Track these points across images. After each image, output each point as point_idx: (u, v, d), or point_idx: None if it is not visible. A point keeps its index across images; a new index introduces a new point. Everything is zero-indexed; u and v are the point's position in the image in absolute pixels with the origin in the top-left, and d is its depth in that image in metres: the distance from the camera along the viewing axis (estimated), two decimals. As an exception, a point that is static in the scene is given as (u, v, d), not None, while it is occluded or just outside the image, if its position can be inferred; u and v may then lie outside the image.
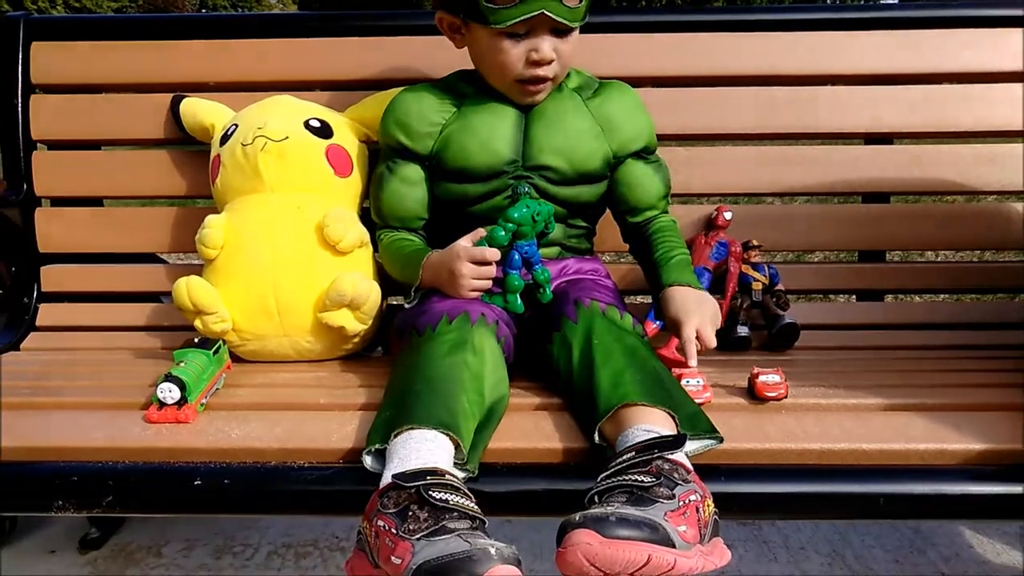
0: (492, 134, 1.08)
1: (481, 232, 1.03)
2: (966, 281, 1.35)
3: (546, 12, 0.98)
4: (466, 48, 1.09)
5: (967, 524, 1.47)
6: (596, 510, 0.67)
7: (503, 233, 1.02)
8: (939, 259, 2.09)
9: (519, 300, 1.05)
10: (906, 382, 1.01)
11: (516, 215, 1.02)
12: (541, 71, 1.03)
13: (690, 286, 1.05)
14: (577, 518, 0.67)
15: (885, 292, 1.36)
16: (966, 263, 1.37)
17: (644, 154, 1.15)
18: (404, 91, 1.15)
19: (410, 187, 1.13)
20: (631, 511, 0.67)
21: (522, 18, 0.98)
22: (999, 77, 1.30)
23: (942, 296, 1.51)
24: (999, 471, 0.82)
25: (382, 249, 1.16)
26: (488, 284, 1.02)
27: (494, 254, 1.00)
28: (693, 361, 0.96)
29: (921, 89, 1.31)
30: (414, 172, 1.12)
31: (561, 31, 1.02)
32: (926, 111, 1.30)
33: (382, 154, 1.16)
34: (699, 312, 1.00)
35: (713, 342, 0.98)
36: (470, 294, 1.00)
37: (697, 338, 0.97)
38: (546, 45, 1.01)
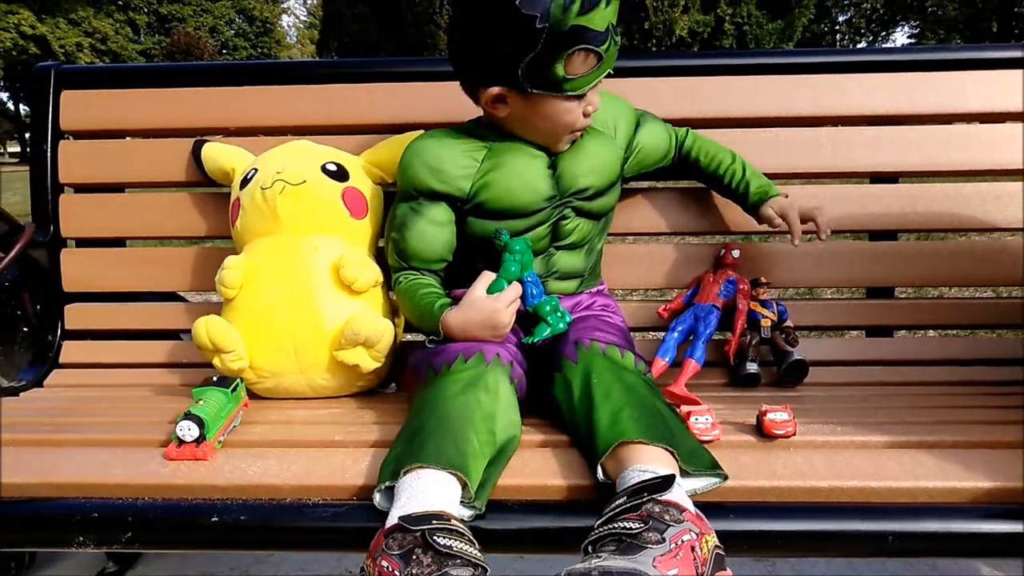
0: (532, 174, 1.11)
1: (490, 275, 1.06)
2: (975, 317, 1.35)
3: (611, 72, 1.05)
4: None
5: (984, 561, 1.45)
6: (580, 565, 0.68)
7: (515, 268, 1.06)
8: (948, 295, 2.09)
9: (566, 314, 1.10)
10: (915, 419, 1.02)
11: (519, 247, 1.07)
12: (584, 122, 1.09)
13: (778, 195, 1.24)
14: (563, 574, 0.67)
15: (894, 328, 1.36)
16: (974, 299, 1.37)
17: (637, 127, 1.23)
18: (426, 137, 1.15)
19: (438, 228, 1.13)
20: (615, 563, 0.68)
21: (596, 81, 1.04)
22: (1002, 117, 1.32)
23: (954, 332, 1.51)
24: (1010, 509, 0.82)
25: (399, 292, 1.15)
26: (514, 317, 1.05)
27: (518, 290, 1.05)
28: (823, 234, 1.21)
29: (925, 129, 1.33)
30: (443, 214, 1.13)
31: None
32: (930, 150, 1.32)
33: (402, 197, 1.15)
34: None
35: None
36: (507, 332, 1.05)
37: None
38: (595, 99, 1.07)
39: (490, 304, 1.03)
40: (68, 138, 1.42)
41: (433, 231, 1.13)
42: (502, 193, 1.10)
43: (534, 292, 1.09)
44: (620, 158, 1.19)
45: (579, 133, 1.11)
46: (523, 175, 1.11)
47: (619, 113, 1.20)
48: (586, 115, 1.08)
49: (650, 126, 1.24)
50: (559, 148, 1.12)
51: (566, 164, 1.13)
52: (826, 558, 1.44)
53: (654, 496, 0.74)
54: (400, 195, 1.16)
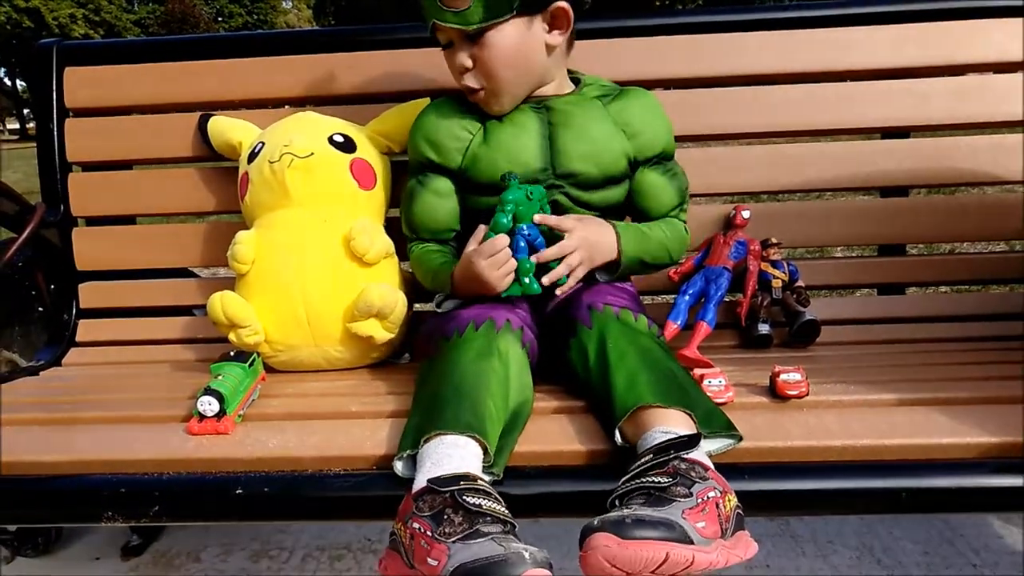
0: (519, 146, 1.10)
1: (483, 228, 1.06)
2: (987, 271, 1.35)
3: (437, 22, 1.03)
4: None
5: (997, 515, 1.47)
6: (613, 513, 0.70)
7: (505, 220, 1.02)
8: (960, 250, 2.07)
9: (535, 282, 1.03)
10: (927, 376, 1.02)
11: (511, 196, 1.03)
12: (464, 81, 1.07)
13: (612, 227, 1.10)
14: (596, 522, 0.69)
15: (906, 285, 1.36)
16: (985, 254, 1.37)
17: (661, 160, 1.16)
18: (430, 108, 1.17)
19: (441, 199, 1.14)
20: (647, 512, 0.69)
21: (430, 30, 1.06)
22: (1014, 67, 1.30)
23: (966, 287, 1.50)
24: (1020, 464, 0.83)
25: (413, 260, 1.18)
26: (512, 269, 1.02)
27: (502, 240, 1.00)
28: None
29: (936, 82, 1.31)
30: (445, 185, 1.14)
31: (473, 36, 1.03)
32: (941, 103, 1.30)
33: (411, 169, 1.18)
34: (578, 223, 1.06)
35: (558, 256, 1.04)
36: (504, 285, 1.01)
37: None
38: (458, 55, 1.06)
39: (467, 254, 1.03)
40: (71, 115, 1.41)
41: (437, 203, 1.14)
42: (488, 166, 1.10)
43: (520, 245, 1.03)
44: (628, 157, 1.13)
45: (476, 99, 1.09)
46: (511, 149, 1.10)
47: (650, 122, 1.14)
48: (459, 72, 1.07)
49: (669, 178, 1.16)
50: (488, 109, 1.11)
51: (562, 138, 1.11)
52: (840, 515, 1.46)
53: (679, 454, 0.75)
54: (410, 167, 1.18)
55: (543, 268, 1.05)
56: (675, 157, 1.19)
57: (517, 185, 1.04)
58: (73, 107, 1.41)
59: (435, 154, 1.13)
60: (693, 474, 0.74)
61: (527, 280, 1.03)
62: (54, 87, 1.39)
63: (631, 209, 1.18)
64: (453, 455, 0.78)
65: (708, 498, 0.72)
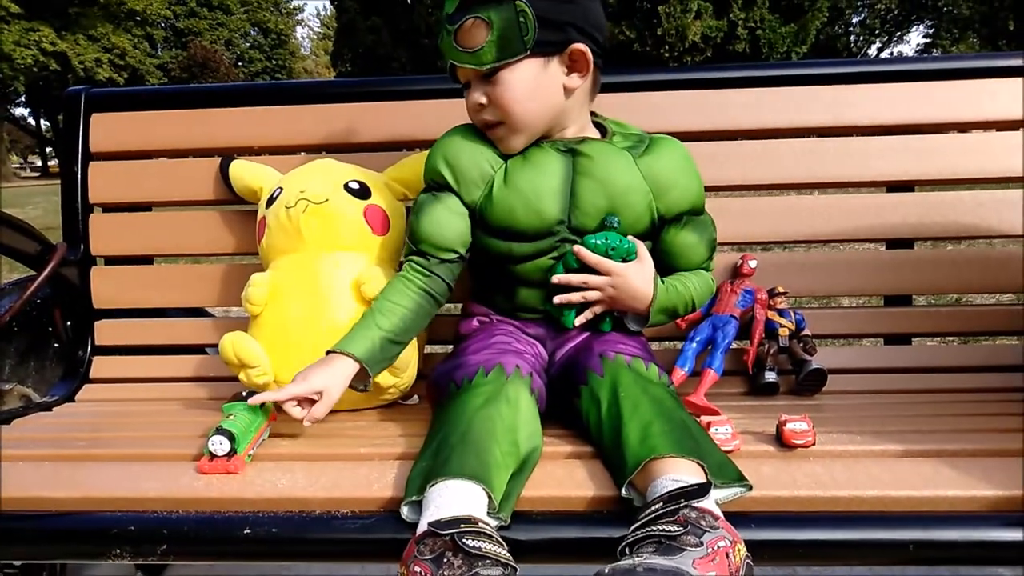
0: (538, 193, 1.07)
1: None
2: (994, 323, 1.35)
3: (453, 63, 1.07)
4: None
5: (1005, 568, 1.45)
6: (624, 562, 0.70)
7: (576, 266, 1.07)
8: (966, 301, 2.08)
9: (570, 317, 1.11)
10: (933, 427, 1.02)
11: (593, 241, 1.06)
12: (478, 117, 1.09)
13: (657, 278, 1.10)
14: (607, 570, 0.69)
15: (912, 335, 1.37)
16: (992, 306, 1.37)
17: (691, 215, 1.13)
18: (454, 130, 1.14)
19: (452, 215, 1.10)
20: (658, 561, 0.69)
21: (449, 71, 1.10)
22: (1017, 125, 1.32)
23: (973, 338, 1.51)
24: (1030, 517, 0.83)
25: (390, 282, 1.11)
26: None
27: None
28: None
29: (941, 138, 1.34)
30: (460, 206, 1.10)
31: (488, 76, 1.05)
32: (946, 159, 1.33)
33: (426, 187, 1.14)
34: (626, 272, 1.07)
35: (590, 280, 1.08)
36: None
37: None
38: (473, 93, 1.07)
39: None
40: (95, 159, 1.45)
41: (448, 218, 1.10)
42: (504, 212, 1.09)
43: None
44: (653, 218, 1.11)
45: (494, 136, 1.10)
46: (528, 193, 1.08)
47: (681, 178, 1.11)
48: (475, 110, 1.09)
49: (699, 234, 1.14)
50: (504, 146, 1.10)
51: (584, 189, 1.08)
52: (847, 567, 1.44)
53: (690, 503, 0.76)
54: (425, 186, 1.15)
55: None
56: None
57: (607, 234, 1.06)
58: (98, 151, 1.45)
59: (454, 180, 1.10)
60: (703, 523, 0.74)
61: (566, 313, 1.10)
62: (80, 132, 1.44)
63: (659, 264, 1.13)
64: (457, 499, 0.79)
65: (718, 547, 0.72)
